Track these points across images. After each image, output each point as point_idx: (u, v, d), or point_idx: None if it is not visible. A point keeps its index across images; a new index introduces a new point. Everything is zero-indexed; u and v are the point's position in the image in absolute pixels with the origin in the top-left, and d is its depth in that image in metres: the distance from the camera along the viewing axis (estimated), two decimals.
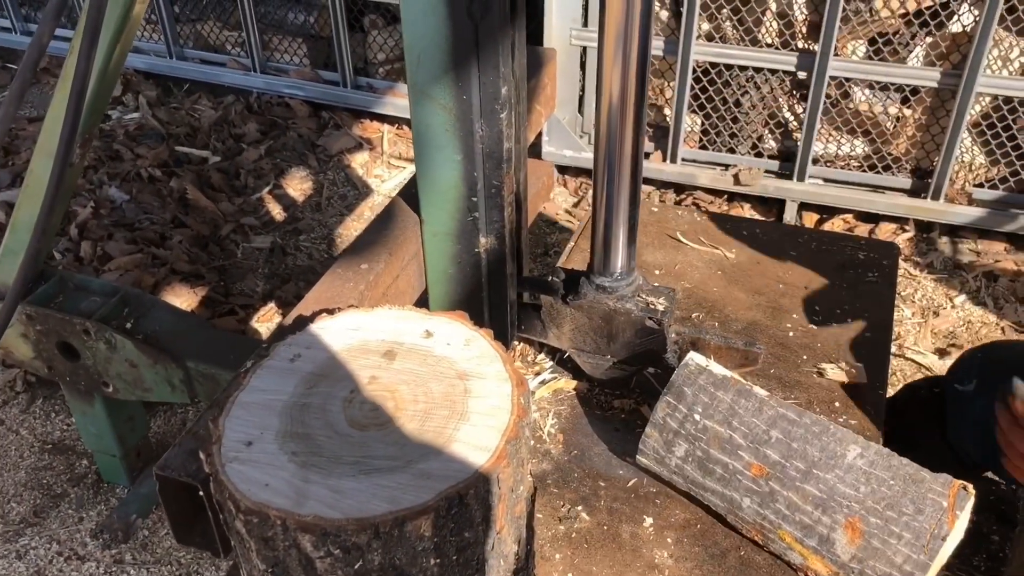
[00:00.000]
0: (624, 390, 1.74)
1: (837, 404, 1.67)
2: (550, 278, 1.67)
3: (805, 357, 1.78)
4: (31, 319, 2.09)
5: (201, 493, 1.16)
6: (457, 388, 1.09)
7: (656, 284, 1.62)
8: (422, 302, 1.74)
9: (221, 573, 2.27)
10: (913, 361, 2.89)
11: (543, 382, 1.77)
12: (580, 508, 1.50)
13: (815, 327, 1.86)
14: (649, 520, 1.47)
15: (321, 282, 1.50)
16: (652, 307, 1.56)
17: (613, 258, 1.56)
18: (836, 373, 1.73)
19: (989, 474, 1.93)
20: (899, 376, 2.83)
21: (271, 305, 3.15)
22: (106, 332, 2.03)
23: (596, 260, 1.59)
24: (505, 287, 1.66)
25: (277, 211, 3.71)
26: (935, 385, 2.02)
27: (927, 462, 1.99)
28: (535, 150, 3.64)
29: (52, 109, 1.84)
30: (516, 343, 1.86)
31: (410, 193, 1.67)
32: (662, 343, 1.58)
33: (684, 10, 3.19)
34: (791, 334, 1.84)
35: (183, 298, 3.10)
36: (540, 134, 3.63)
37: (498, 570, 1.10)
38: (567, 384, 1.76)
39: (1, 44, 4.86)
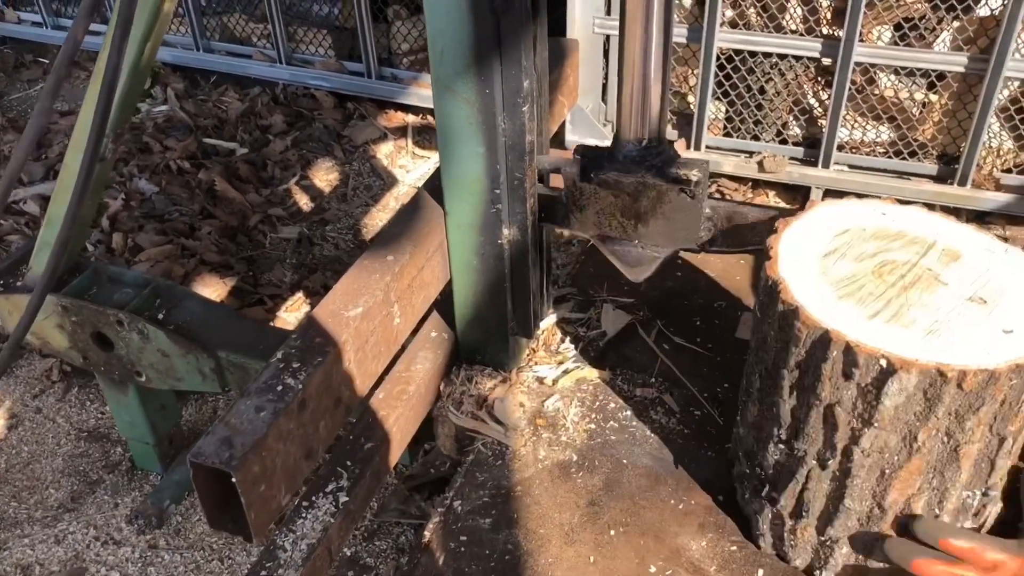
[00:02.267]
0: (646, 377, 1.77)
1: None
2: (572, 155, 1.53)
3: None
4: (66, 310, 2.14)
5: (233, 480, 1.19)
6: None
7: (688, 158, 1.45)
8: (446, 293, 1.76)
9: (252, 557, 2.32)
10: None
11: (566, 371, 1.79)
12: (603, 494, 1.52)
13: None
14: (672, 503, 1.49)
15: (348, 274, 1.53)
16: (685, 178, 1.41)
17: (643, 123, 1.41)
18: None
19: None
20: None
21: (299, 295, 3.20)
22: (139, 323, 2.07)
23: (623, 129, 1.43)
24: (528, 277, 1.68)
25: (304, 202, 3.76)
26: None
27: None
28: (558, 138, 3.65)
29: (86, 104, 1.88)
30: (539, 331, 1.88)
31: (434, 185, 1.69)
32: (696, 219, 1.44)
33: None
34: None
35: (213, 288, 3.15)
36: (563, 122, 3.64)
37: None
38: (590, 373, 1.79)
39: (32, 39, 4.93)
